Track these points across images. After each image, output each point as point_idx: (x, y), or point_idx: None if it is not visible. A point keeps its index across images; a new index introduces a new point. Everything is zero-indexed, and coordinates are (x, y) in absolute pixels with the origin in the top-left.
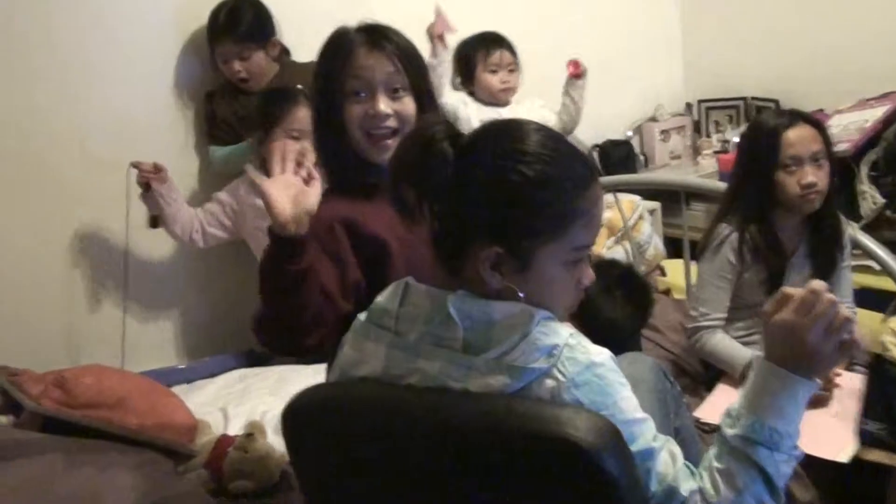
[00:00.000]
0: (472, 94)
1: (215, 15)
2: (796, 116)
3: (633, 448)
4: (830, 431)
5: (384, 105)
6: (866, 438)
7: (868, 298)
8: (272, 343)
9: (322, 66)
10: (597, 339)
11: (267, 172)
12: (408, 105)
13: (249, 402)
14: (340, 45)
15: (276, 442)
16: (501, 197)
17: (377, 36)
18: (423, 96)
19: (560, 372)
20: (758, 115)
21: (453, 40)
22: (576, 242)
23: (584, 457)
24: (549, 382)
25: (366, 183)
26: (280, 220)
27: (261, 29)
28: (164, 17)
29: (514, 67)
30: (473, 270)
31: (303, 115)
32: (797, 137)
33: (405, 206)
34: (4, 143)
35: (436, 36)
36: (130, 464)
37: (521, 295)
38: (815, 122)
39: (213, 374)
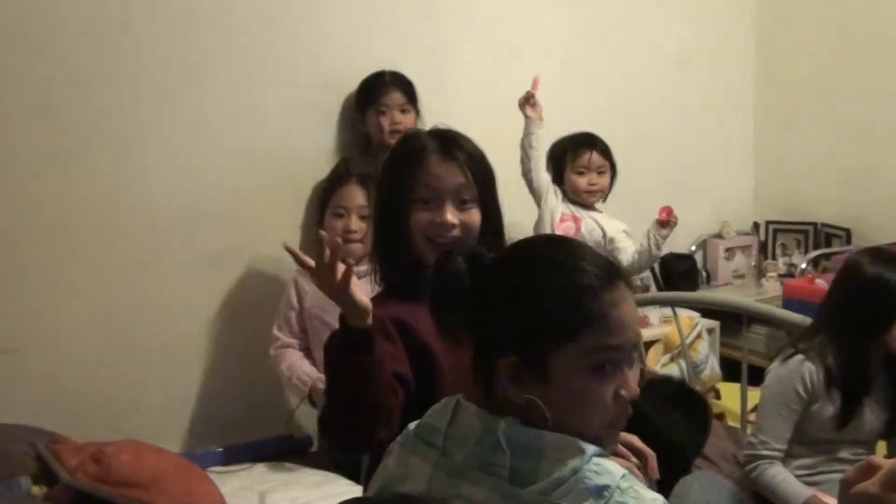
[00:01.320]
0: (564, 192)
1: (379, 74)
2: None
3: None
4: None
5: (451, 215)
6: None
7: None
8: (340, 441)
9: (393, 168)
10: (661, 463)
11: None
12: (474, 216)
13: (289, 492)
14: (413, 150)
15: None
16: (510, 301)
17: (450, 144)
18: (488, 207)
19: None
20: (859, 259)
21: (547, 139)
22: (589, 346)
23: None
24: None
25: (421, 287)
26: (362, 310)
27: (416, 94)
28: None
29: (604, 170)
30: (500, 389)
31: (350, 193)
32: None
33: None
34: (88, 204)
35: (523, 104)
36: None
37: (547, 414)
38: None
39: (251, 459)
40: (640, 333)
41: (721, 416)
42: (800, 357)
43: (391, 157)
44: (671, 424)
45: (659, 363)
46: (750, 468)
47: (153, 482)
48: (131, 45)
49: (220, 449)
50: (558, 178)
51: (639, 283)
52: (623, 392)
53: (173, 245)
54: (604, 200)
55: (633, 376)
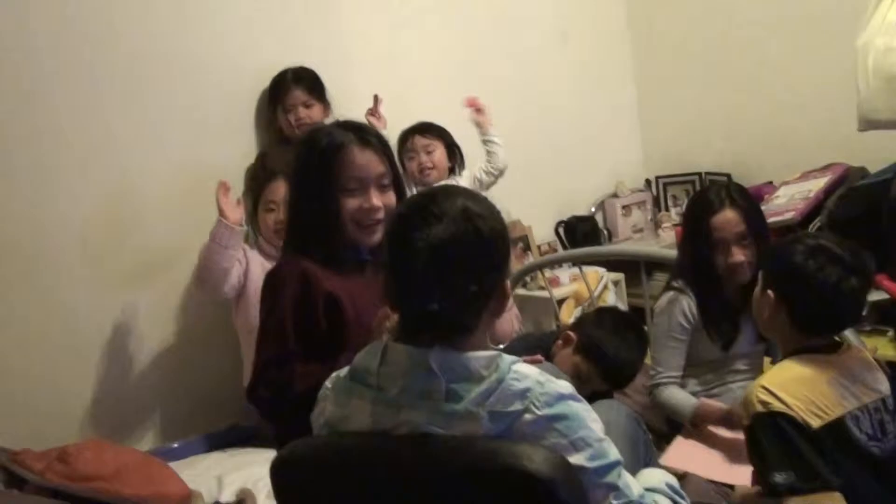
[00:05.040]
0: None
1: (282, 74)
2: (724, 201)
3: (603, 462)
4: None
5: (376, 200)
6: (782, 489)
7: None
8: (267, 403)
9: (313, 159)
10: (608, 378)
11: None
12: (392, 198)
13: (244, 471)
14: (333, 144)
15: None
16: None
17: (365, 134)
18: (399, 187)
19: (535, 408)
20: (693, 196)
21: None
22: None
23: (539, 486)
24: (528, 417)
25: (360, 260)
26: None
27: (322, 86)
28: None
29: (431, 148)
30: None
31: (278, 188)
32: (722, 222)
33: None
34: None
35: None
36: None
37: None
38: (742, 204)
39: (204, 452)
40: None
41: None
42: (674, 294)
43: (310, 151)
44: (623, 344)
45: (572, 316)
46: (652, 396)
47: (117, 474)
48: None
49: (175, 445)
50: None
51: (546, 247)
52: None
53: (104, 250)
54: (458, 173)
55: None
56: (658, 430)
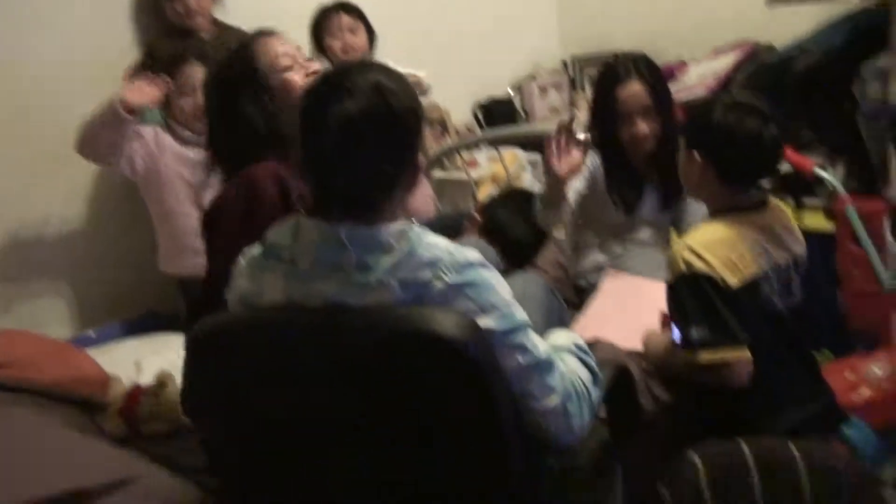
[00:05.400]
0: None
1: None
2: (630, 73)
3: (510, 324)
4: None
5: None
6: (695, 343)
7: None
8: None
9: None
10: (506, 253)
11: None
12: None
13: (162, 355)
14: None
15: None
16: None
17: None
18: None
19: (444, 275)
20: (602, 67)
21: None
22: None
23: (451, 348)
24: (438, 285)
25: None
26: None
27: None
28: None
29: (355, 29)
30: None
31: (195, 72)
32: (628, 94)
33: None
34: None
35: None
36: (54, 414)
37: None
38: (649, 78)
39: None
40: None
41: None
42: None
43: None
44: (516, 227)
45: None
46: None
47: (31, 361)
48: None
49: (91, 333)
50: (321, 51)
51: (464, 129)
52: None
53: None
54: None
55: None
56: (570, 300)
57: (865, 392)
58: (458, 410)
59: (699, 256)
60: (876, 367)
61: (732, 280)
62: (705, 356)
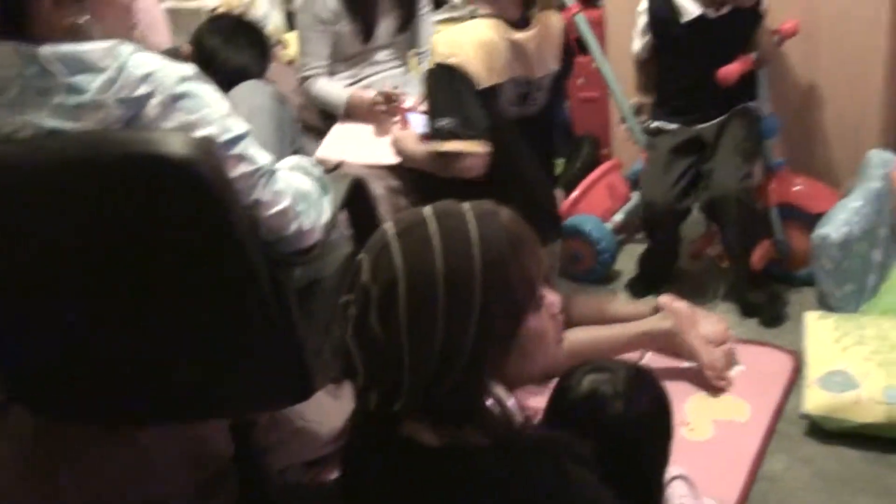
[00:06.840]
0: None
1: None
2: None
3: (230, 135)
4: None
5: None
6: (444, 133)
7: None
8: None
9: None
10: (229, 87)
11: None
12: None
13: None
14: None
15: None
16: None
17: None
18: None
19: (160, 89)
20: None
21: None
22: None
23: (178, 167)
24: (154, 100)
25: None
26: None
27: None
28: None
29: None
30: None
31: None
32: None
33: None
34: None
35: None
36: None
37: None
38: None
39: None
40: None
41: (291, 63)
42: None
43: None
44: (235, 51)
45: None
46: (303, 88)
47: None
48: None
49: None
50: None
51: None
52: None
53: None
54: None
55: None
56: (315, 126)
57: None
58: (196, 232)
59: (456, 52)
60: None
61: (483, 80)
62: (448, 145)
